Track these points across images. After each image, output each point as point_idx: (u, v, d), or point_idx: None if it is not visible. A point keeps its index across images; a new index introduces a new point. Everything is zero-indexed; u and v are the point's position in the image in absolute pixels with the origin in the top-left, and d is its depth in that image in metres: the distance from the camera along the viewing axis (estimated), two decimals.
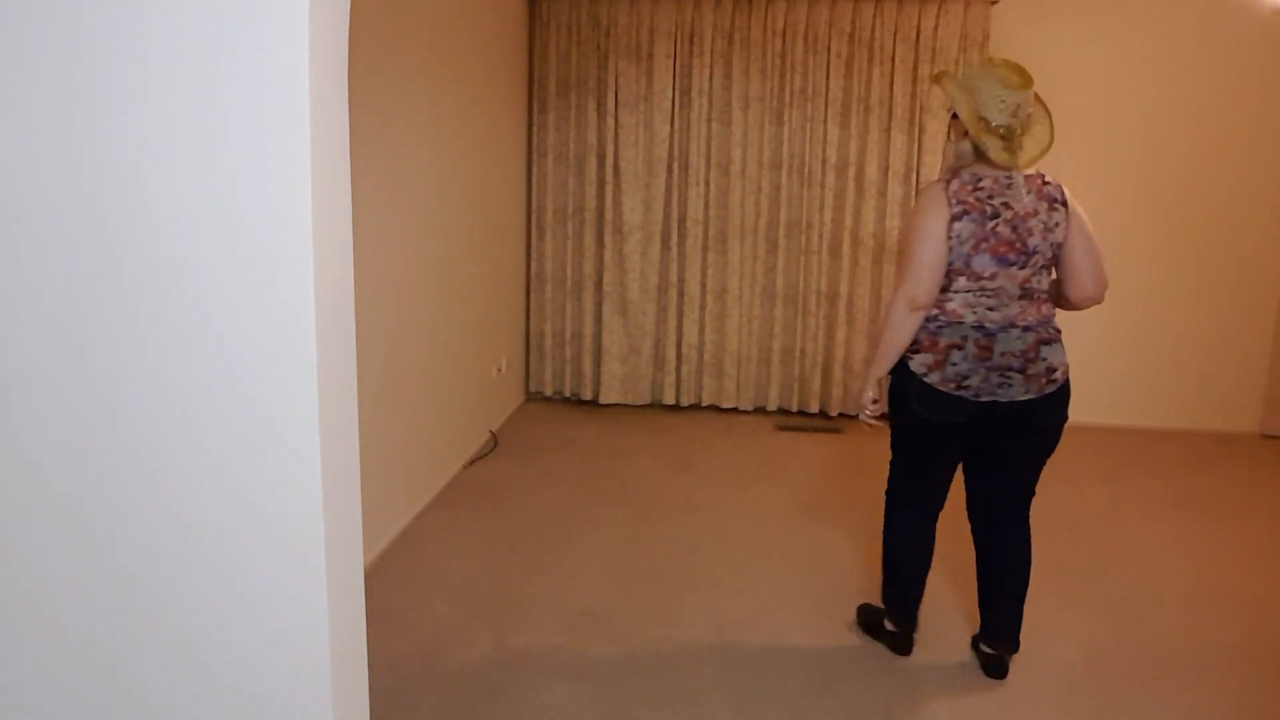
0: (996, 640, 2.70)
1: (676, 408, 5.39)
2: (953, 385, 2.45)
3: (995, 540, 2.66)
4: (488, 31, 4.45)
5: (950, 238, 2.40)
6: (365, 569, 2.75)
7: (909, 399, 2.52)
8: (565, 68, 5.10)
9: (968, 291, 2.44)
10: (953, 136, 2.51)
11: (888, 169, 4.98)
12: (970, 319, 2.44)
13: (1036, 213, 2.42)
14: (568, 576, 3.22)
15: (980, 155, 2.43)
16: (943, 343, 2.46)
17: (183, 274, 1.49)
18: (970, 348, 2.43)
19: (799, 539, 3.62)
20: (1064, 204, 2.46)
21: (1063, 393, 2.50)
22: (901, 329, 2.47)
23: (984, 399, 2.45)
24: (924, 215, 2.43)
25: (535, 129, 5.19)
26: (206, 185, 1.46)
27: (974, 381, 2.44)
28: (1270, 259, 5.04)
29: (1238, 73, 4.89)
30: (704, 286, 5.21)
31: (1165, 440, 5.04)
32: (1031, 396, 2.45)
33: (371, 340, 3.18)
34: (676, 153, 5.11)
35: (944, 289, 2.46)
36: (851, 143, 4.99)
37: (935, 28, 4.83)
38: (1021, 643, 2.72)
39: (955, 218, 2.40)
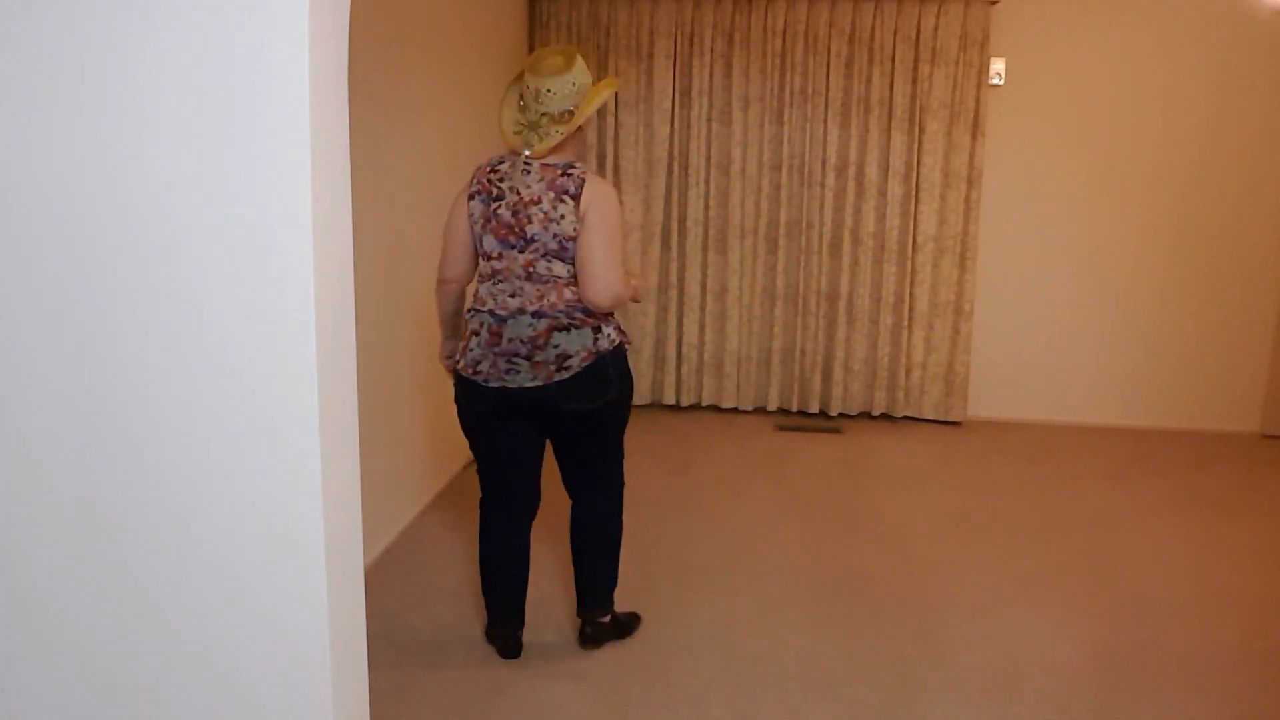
0: (587, 608, 2.79)
1: (676, 408, 5.39)
2: (470, 370, 2.53)
3: (574, 513, 2.78)
4: (488, 31, 4.45)
5: (468, 216, 2.50)
6: (365, 569, 2.75)
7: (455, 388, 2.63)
8: None
9: (489, 278, 2.51)
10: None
11: (888, 169, 4.98)
12: (489, 305, 2.50)
13: (539, 201, 2.43)
14: (567, 576, 3.22)
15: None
16: (469, 329, 2.56)
17: (183, 274, 1.49)
18: (484, 334, 2.50)
19: (799, 539, 3.62)
20: (575, 198, 2.42)
21: (582, 380, 2.48)
22: (437, 300, 2.65)
23: (494, 384, 2.51)
24: (458, 194, 2.57)
25: None
26: (206, 185, 1.46)
27: (484, 367, 2.51)
28: (1270, 259, 5.04)
29: (1238, 73, 4.89)
30: (704, 286, 5.21)
31: (1166, 440, 5.03)
32: (539, 383, 2.47)
33: (372, 340, 3.18)
34: (676, 153, 5.11)
35: (481, 276, 2.55)
36: (851, 143, 4.99)
37: (935, 28, 4.83)
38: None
39: (470, 196, 2.51)
